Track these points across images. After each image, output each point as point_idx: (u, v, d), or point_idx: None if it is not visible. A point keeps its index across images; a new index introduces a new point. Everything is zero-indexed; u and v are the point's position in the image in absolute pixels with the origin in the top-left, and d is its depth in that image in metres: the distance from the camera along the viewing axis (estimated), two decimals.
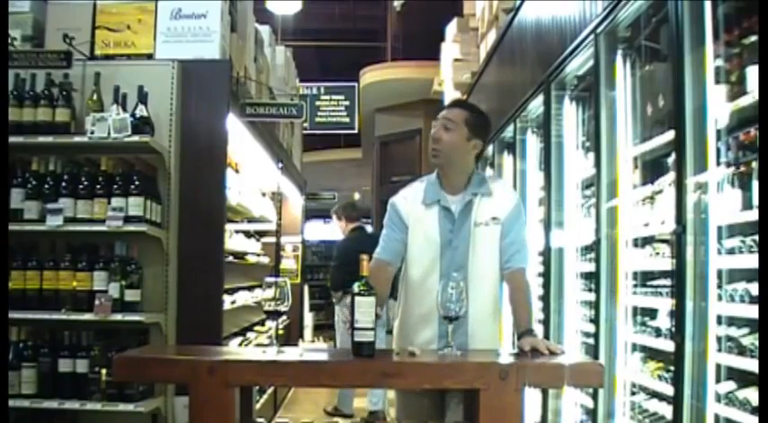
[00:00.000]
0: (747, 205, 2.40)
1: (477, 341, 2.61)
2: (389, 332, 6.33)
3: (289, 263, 8.09)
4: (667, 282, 2.97)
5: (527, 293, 2.66)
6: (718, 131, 2.57)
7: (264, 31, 5.82)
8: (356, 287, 2.31)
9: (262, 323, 5.98)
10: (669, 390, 2.78)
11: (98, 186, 3.49)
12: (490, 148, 6.64)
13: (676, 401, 2.62)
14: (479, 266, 2.63)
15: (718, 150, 2.57)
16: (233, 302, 4.80)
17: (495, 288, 2.69)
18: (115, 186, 3.47)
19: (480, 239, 2.63)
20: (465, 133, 2.65)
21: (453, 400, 2.63)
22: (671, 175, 2.90)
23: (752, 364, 2.29)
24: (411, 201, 2.73)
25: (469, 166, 2.72)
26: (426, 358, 2.38)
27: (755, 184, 2.34)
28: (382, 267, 2.68)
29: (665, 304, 3.01)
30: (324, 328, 10.93)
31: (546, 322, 4.39)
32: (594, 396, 3.58)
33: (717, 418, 2.48)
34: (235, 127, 4.23)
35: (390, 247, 2.72)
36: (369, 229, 6.99)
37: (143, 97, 3.58)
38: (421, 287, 2.66)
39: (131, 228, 3.41)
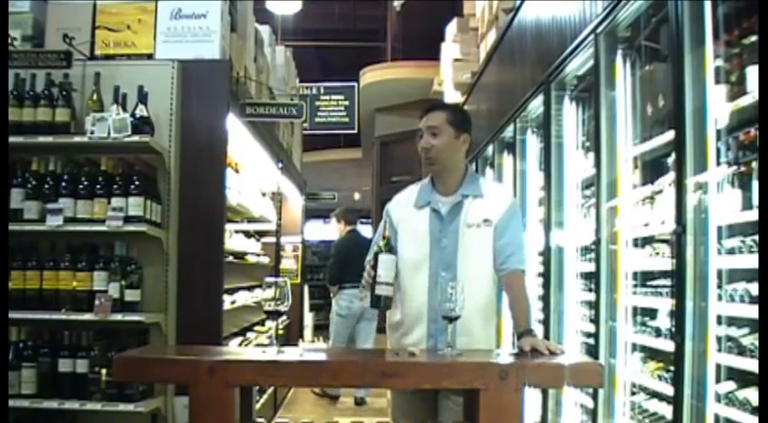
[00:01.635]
0: (747, 205, 2.40)
1: (468, 341, 2.61)
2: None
3: (289, 263, 8.10)
4: (667, 282, 2.97)
5: (524, 294, 2.66)
6: (718, 131, 2.57)
7: (264, 31, 5.81)
8: (380, 246, 2.54)
9: (262, 323, 5.98)
10: (669, 390, 2.78)
11: (98, 186, 3.49)
12: (490, 148, 6.64)
13: (676, 401, 2.62)
14: (468, 267, 2.64)
15: (718, 150, 2.57)
16: (233, 302, 4.80)
17: (488, 289, 2.69)
18: (115, 186, 3.47)
19: (470, 241, 2.65)
20: (452, 133, 2.70)
21: (444, 400, 2.64)
22: (671, 175, 2.90)
23: (752, 364, 2.29)
24: (403, 205, 2.79)
25: (462, 162, 2.77)
26: (426, 358, 2.39)
27: (755, 184, 2.34)
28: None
29: (665, 304, 3.01)
30: (324, 328, 10.93)
31: (546, 322, 4.39)
32: (594, 396, 3.58)
33: (717, 418, 2.48)
34: (235, 127, 4.23)
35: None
36: (362, 232, 7.44)
37: (143, 97, 3.58)
38: (411, 287, 2.68)
39: (131, 228, 3.41)
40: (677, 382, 2.61)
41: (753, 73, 2.37)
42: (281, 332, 5.99)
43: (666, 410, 2.94)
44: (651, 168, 3.29)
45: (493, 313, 2.73)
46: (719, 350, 2.50)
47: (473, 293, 2.59)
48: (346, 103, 10.77)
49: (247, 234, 5.96)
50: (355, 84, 10.68)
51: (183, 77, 3.79)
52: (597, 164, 3.56)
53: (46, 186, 3.48)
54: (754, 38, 2.41)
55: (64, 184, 3.48)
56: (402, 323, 2.72)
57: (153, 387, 3.51)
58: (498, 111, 5.93)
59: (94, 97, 3.62)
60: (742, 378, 2.42)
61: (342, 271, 6.67)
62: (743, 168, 2.45)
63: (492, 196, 2.72)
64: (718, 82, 2.57)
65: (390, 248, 2.55)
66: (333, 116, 10.79)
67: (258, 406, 5.08)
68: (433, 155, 2.69)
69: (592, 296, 3.68)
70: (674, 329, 2.69)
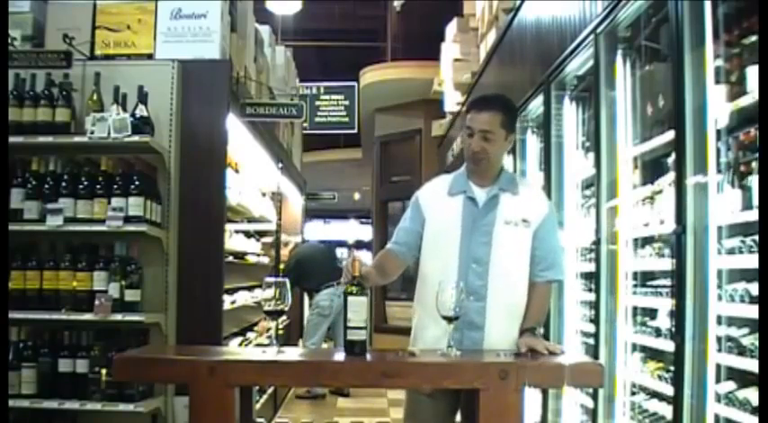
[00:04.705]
0: (747, 205, 2.40)
1: (493, 340, 2.55)
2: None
3: None
4: (667, 282, 2.97)
5: (545, 301, 2.67)
6: (718, 131, 2.57)
7: (264, 31, 5.81)
8: (350, 288, 2.34)
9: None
10: (669, 390, 2.78)
11: (98, 186, 3.49)
12: None
13: (676, 401, 2.62)
14: (501, 264, 2.57)
15: (718, 150, 2.57)
16: (233, 302, 4.80)
17: (520, 289, 2.61)
18: (115, 186, 3.46)
19: (507, 238, 2.58)
20: (503, 135, 2.62)
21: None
22: (671, 175, 2.90)
23: (752, 364, 2.29)
24: (435, 192, 2.72)
25: (502, 158, 2.73)
26: (426, 358, 2.38)
27: (755, 184, 2.34)
28: (388, 257, 2.68)
29: (665, 304, 3.01)
30: None
31: (546, 322, 4.39)
32: (594, 396, 3.58)
33: (717, 418, 2.48)
34: (235, 127, 4.23)
35: (401, 238, 2.70)
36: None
37: (143, 97, 3.58)
38: (439, 277, 2.53)
39: (131, 228, 3.41)
40: (677, 382, 2.61)
41: (753, 73, 2.37)
42: (280, 332, 6.00)
43: (666, 410, 2.94)
44: (651, 168, 3.29)
45: (521, 314, 2.62)
46: (719, 350, 2.50)
47: (504, 291, 2.57)
48: (346, 102, 10.76)
49: (247, 234, 5.96)
50: (355, 84, 10.67)
51: (183, 77, 3.78)
52: (597, 164, 3.56)
53: (46, 186, 3.48)
54: (754, 38, 2.41)
55: (64, 184, 3.48)
56: (428, 314, 2.58)
57: (153, 387, 3.51)
58: None
59: (94, 97, 3.62)
60: (742, 378, 2.42)
61: (310, 277, 6.96)
62: (743, 168, 2.45)
63: (528, 196, 2.67)
64: (718, 82, 2.57)
65: (362, 289, 2.34)
66: (333, 116, 10.79)
67: (258, 406, 5.08)
68: (483, 158, 2.60)
69: (592, 296, 3.68)
70: (674, 329, 2.69)
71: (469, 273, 2.53)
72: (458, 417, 2.68)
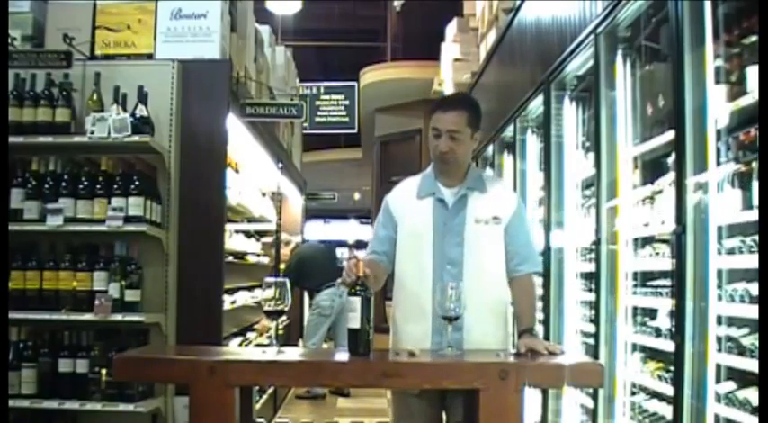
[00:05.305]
0: (747, 205, 2.40)
1: (473, 339, 2.56)
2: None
3: None
4: (667, 282, 2.97)
5: (532, 294, 2.67)
6: (718, 131, 2.57)
7: (264, 31, 5.81)
8: (354, 288, 2.34)
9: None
10: (669, 390, 2.78)
11: (98, 186, 3.49)
12: (490, 148, 6.64)
13: (676, 401, 2.62)
14: (476, 263, 2.59)
15: (718, 150, 2.57)
16: (233, 302, 4.80)
17: (498, 287, 2.63)
18: (115, 186, 3.46)
19: (478, 237, 2.60)
20: (470, 133, 2.64)
21: (455, 400, 2.59)
22: (671, 175, 2.90)
23: (752, 364, 2.29)
24: (404, 195, 2.73)
25: (470, 157, 2.74)
26: (426, 358, 2.38)
27: (755, 184, 2.34)
28: (372, 264, 2.65)
29: (665, 304, 3.01)
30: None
31: (546, 322, 4.39)
32: (594, 396, 3.58)
33: (717, 418, 2.48)
34: (235, 127, 4.23)
35: (378, 248, 2.71)
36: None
37: (143, 97, 3.58)
38: (414, 280, 2.61)
39: (131, 228, 3.41)
40: (677, 382, 2.61)
41: (753, 73, 2.38)
42: (281, 332, 6.00)
43: (666, 410, 2.94)
44: (651, 168, 3.29)
45: (503, 311, 2.65)
46: (719, 350, 2.50)
47: (481, 291, 2.56)
48: (346, 102, 10.76)
49: (247, 234, 5.96)
50: (355, 84, 10.67)
51: (183, 77, 3.78)
52: (597, 164, 3.56)
53: (46, 186, 3.48)
54: (754, 38, 2.41)
55: (64, 184, 3.48)
56: (406, 318, 2.65)
57: (153, 387, 3.51)
58: (498, 111, 5.94)
59: (94, 97, 3.62)
60: (742, 378, 2.42)
61: (311, 277, 6.91)
62: (743, 168, 2.45)
63: (496, 193, 2.69)
64: (718, 82, 2.57)
65: (366, 289, 2.35)
66: (333, 116, 10.78)
67: (258, 406, 5.08)
68: (452, 158, 2.61)
69: (592, 296, 3.68)
70: (674, 329, 2.69)
71: (444, 274, 2.54)
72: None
